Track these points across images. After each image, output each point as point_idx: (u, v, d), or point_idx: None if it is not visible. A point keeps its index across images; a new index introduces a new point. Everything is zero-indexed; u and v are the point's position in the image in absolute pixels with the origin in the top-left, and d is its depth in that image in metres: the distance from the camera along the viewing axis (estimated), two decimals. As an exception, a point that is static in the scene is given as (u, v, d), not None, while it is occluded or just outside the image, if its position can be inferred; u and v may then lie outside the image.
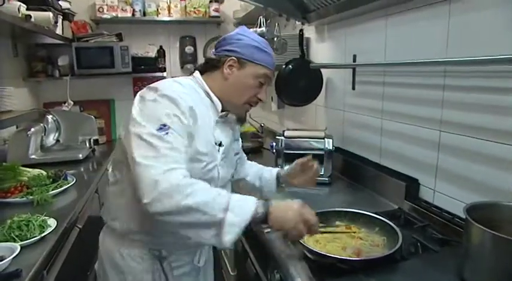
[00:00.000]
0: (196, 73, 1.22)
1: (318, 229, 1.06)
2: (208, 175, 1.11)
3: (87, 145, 2.64)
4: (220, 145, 1.18)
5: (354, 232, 1.17)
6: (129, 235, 1.15)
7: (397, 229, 1.12)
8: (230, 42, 1.17)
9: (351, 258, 1.03)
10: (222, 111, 1.19)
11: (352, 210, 1.25)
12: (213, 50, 1.23)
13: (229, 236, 0.94)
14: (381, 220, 1.19)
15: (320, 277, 1.00)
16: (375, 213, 1.25)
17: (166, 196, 0.91)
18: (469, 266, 0.94)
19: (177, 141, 1.00)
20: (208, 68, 1.20)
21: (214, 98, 1.18)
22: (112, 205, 1.18)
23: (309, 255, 1.07)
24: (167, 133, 0.98)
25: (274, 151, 1.88)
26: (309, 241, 1.11)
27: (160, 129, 0.98)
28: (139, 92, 1.09)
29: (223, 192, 0.99)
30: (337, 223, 1.24)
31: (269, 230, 1.05)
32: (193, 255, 1.26)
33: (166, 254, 1.17)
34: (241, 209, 0.96)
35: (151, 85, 1.09)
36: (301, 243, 1.07)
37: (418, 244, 1.14)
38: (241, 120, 1.26)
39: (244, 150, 1.45)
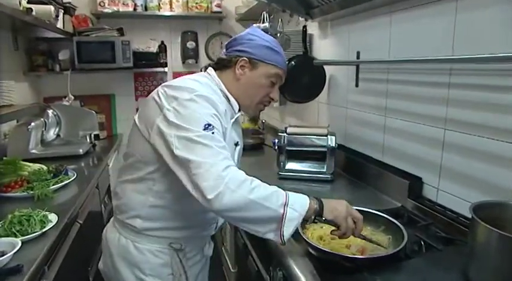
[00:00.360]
0: (211, 70, 1.21)
1: (362, 228, 1.06)
2: None
3: (88, 139, 2.64)
4: (236, 144, 1.20)
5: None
6: (150, 232, 1.14)
7: (403, 228, 1.11)
8: (241, 43, 1.17)
9: (355, 256, 1.02)
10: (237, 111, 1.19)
11: (359, 208, 1.24)
12: (224, 50, 1.23)
13: (288, 230, 0.96)
14: (385, 218, 1.18)
15: (324, 274, 0.99)
16: (378, 211, 1.24)
17: (232, 190, 0.91)
18: (474, 265, 0.94)
19: (222, 139, 1.01)
20: (220, 67, 1.20)
21: (232, 99, 1.17)
22: (131, 202, 1.15)
23: (312, 252, 1.06)
24: (213, 132, 0.98)
25: (276, 147, 1.87)
26: (313, 238, 1.11)
27: (206, 129, 0.98)
28: (160, 92, 1.06)
29: (278, 188, 1.00)
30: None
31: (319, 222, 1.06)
32: (204, 244, 1.30)
33: (184, 247, 1.18)
34: (299, 204, 0.98)
35: (172, 84, 1.08)
36: (305, 240, 1.07)
37: (422, 242, 1.13)
38: (254, 119, 1.28)
39: (245, 146, 1.44)
